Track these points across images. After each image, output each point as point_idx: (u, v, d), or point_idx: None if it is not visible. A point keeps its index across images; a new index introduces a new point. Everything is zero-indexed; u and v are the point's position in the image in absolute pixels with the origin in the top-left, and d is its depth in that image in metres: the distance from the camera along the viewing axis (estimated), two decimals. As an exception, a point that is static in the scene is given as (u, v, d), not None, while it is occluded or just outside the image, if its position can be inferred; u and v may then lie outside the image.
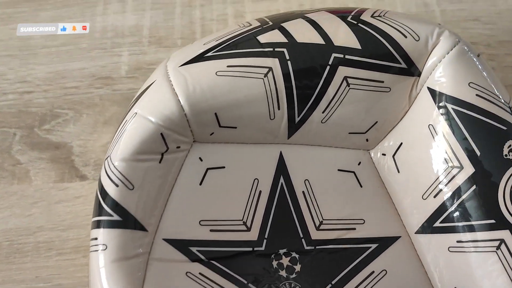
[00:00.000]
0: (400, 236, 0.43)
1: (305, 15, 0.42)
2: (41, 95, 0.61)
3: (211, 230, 0.39)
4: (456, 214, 0.39)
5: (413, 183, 0.42)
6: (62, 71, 0.62)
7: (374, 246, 0.42)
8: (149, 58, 0.62)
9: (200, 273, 0.37)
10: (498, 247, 0.37)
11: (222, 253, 0.39)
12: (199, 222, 0.39)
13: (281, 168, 0.42)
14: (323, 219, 0.42)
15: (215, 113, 0.39)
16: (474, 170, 0.38)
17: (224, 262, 0.39)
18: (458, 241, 0.39)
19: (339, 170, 0.44)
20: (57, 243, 0.60)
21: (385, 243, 0.43)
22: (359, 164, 0.44)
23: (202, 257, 0.38)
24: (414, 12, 0.68)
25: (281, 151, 0.43)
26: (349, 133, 0.43)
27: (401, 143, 0.43)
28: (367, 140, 0.44)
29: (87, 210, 0.62)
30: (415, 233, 0.42)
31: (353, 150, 0.44)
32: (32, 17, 0.66)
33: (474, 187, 0.38)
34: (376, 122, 0.42)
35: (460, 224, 0.39)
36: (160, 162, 0.38)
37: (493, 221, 0.38)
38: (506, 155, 0.38)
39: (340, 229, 0.43)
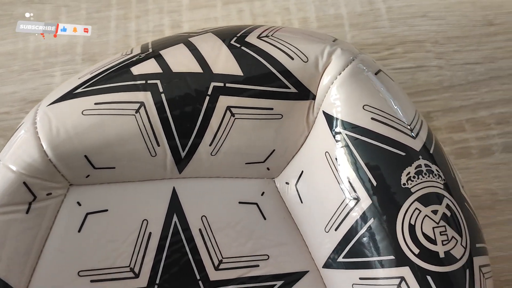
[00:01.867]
0: (308, 271, 0.40)
1: (189, 39, 0.38)
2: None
3: (91, 281, 0.36)
4: (356, 249, 0.36)
5: (316, 214, 0.39)
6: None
7: (279, 283, 0.39)
8: (81, 77, 0.60)
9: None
10: (399, 285, 0.34)
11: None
12: (78, 273, 0.36)
13: (174, 206, 0.39)
14: (222, 258, 0.39)
15: (85, 156, 0.35)
16: (371, 202, 0.35)
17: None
18: (360, 278, 0.36)
19: (240, 202, 0.40)
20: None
21: (291, 279, 0.40)
22: (262, 194, 0.41)
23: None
24: (359, 12, 0.65)
25: (174, 187, 0.40)
26: (246, 163, 0.39)
27: (302, 171, 0.39)
28: (268, 169, 0.40)
29: None
30: (322, 267, 0.39)
31: (256, 180, 0.41)
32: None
33: (372, 220, 0.35)
34: (274, 150, 0.39)
35: (361, 260, 0.36)
36: (27, 212, 0.35)
37: (392, 257, 0.34)
38: (404, 184, 0.35)
39: (242, 267, 0.39)
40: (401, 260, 0.34)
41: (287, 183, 0.41)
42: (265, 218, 0.41)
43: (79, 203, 0.37)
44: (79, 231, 0.37)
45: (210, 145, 0.37)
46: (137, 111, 0.36)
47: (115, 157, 0.36)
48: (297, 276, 0.40)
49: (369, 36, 0.66)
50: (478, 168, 0.59)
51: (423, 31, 0.67)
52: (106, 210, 0.38)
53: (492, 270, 0.52)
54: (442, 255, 0.34)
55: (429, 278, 0.34)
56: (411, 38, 0.66)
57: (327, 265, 0.39)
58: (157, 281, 0.38)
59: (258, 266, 0.40)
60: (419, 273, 0.34)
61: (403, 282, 0.34)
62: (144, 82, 0.36)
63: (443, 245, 0.34)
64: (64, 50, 0.61)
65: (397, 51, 0.65)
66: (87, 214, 0.37)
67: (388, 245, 0.35)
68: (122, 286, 0.37)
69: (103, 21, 0.66)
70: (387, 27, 0.66)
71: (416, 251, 0.34)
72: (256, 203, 0.41)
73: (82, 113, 0.35)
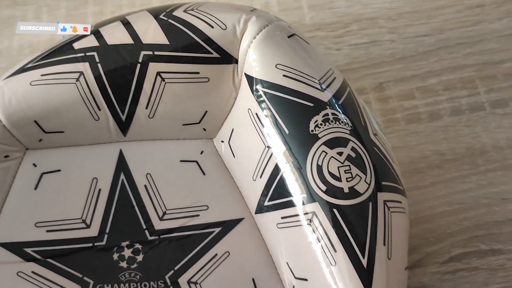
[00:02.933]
0: (243, 218, 0.45)
1: (126, 16, 0.44)
2: None
3: (47, 231, 0.42)
4: (278, 192, 0.41)
5: (245, 166, 0.44)
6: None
7: (217, 230, 0.44)
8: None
9: (33, 272, 0.40)
10: (311, 220, 0.39)
11: (59, 251, 0.41)
12: (35, 224, 0.42)
13: (121, 165, 0.45)
14: (166, 210, 0.44)
15: (35, 121, 0.41)
16: (285, 148, 0.40)
17: (62, 259, 0.41)
18: (282, 217, 0.41)
19: (181, 161, 0.46)
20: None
21: (228, 226, 0.45)
22: (201, 153, 0.46)
23: (38, 256, 0.41)
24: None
25: (121, 149, 0.45)
26: (183, 124, 0.45)
27: (233, 129, 0.45)
28: (204, 129, 0.45)
29: None
30: (255, 213, 0.44)
31: (195, 140, 0.46)
32: None
33: (287, 164, 0.40)
34: (206, 111, 0.44)
35: (281, 201, 0.41)
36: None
37: (305, 195, 0.39)
38: (312, 131, 0.40)
39: (184, 217, 0.45)
40: (311, 197, 0.39)
41: (222, 141, 0.46)
42: (204, 174, 0.46)
43: (34, 165, 0.43)
44: (35, 188, 0.43)
45: (146, 108, 0.43)
46: (78, 79, 0.41)
47: (62, 121, 0.42)
48: (234, 223, 0.45)
49: (327, 16, 0.71)
50: (428, 131, 0.63)
51: (376, 9, 0.71)
52: (59, 170, 0.44)
53: (440, 223, 0.57)
54: (346, 190, 0.39)
55: (335, 211, 0.38)
56: (365, 16, 0.71)
57: (258, 211, 0.44)
58: (107, 231, 0.43)
59: (198, 215, 0.45)
60: (327, 207, 0.39)
61: (314, 216, 0.39)
62: (83, 54, 0.41)
63: (347, 181, 0.39)
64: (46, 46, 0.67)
65: (352, 28, 0.70)
66: (42, 174, 0.43)
67: (301, 184, 0.39)
68: (75, 235, 0.42)
69: (81, 18, 0.72)
70: (343, 7, 0.71)
71: (324, 188, 0.39)
72: (196, 161, 0.46)
73: (30, 84, 0.41)
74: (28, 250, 0.40)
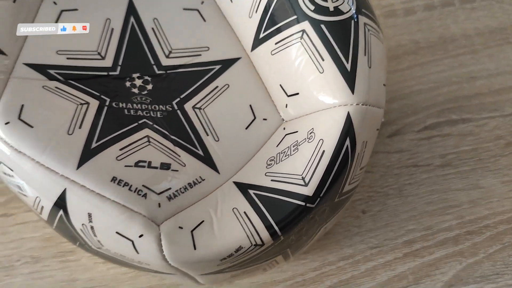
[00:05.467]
0: (240, 57, 0.51)
1: None
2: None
3: (67, 58, 0.47)
4: (271, 20, 0.47)
5: (242, 6, 0.50)
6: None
7: (217, 67, 0.50)
8: None
9: (56, 87, 0.46)
10: (302, 37, 0.45)
11: (79, 75, 0.47)
12: (57, 51, 0.47)
13: (131, 10, 0.51)
14: (172, 49, 0.50)
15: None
16: None
17: (81, 82, 0.47)
18: (276, 43, 0.47)
19: (184, 9, 0.52)
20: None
21: (227, 63, 0.51)
22: (202, 3, 0.52)
23: (60, 77, 0.46)
24: None
25: (130, -5, 0.51)
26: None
27: (230, -24, 0.51)
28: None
29: None
30: (250, 51, 0.50)
31: (196, -9, 0.52)
32: None
33: (279, -7, 0.46)
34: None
35: (274, 27, 0.47)
36: (14, 1, 0.46)
37: (295, 16, 0.45)
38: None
39: (187, 56, 0.50)
40: (301, 17, 0.45)
41: (219, -10, 0.52)
42: (205, 21, 0.52)
43: (55, 3, 0.49)
44: (55, 22, 0.48)
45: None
46: None
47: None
48: (232, 61, 0.51)
49: None
50: (404, 24, 0.70)
51: None
52: (77, 9, 0.49)
53: (416, 99, 0.64)
54: (331, 9, 0.45)
55: (323, 26, 0.45)
56: None
57: (254, 47, 0.50)
58: (120, 63, 0.49)
59: (200, 55, 0.51)
60: (315, 24, 0.45)
61: (304, 33, 0.45)
62: None
63: (332, 2, 0.45)
64: None
65: None
66: (62, 11, 0.49)
67: (291, 7, 0.46)
68: (92, 64, 0.48)
69: None
70: None
71: (312, 7, 0.45)
72: (197, 9, 0.52)
73: None
74: (51, 71, 0.46)
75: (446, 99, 0.66)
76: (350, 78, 0.43)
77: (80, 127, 0.43)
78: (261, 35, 0.48)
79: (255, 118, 0.48)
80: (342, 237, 0.58)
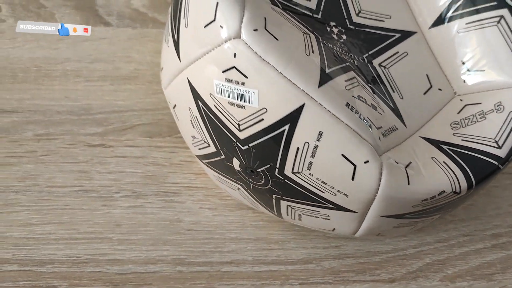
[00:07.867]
0: (416, 32, 0.55)
1: None
2: None
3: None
4: (468, 2, 0.52)
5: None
6: None
7: (397, 35, 0.54)
8: None
9: (281, 12, 0.47)
10: (499, 22, 0.51)
11: (293, 9, 0.49)
12: None
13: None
14: (361, 9, 0.54)
15: None
16: None
17: (294, 14, 0.49)
18: (466, 23, 0.52)
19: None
20: (84, 72, 0.67)
21: (405, 34, 0.55)
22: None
23: (279, 5, 0.48)
24: None
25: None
26: None
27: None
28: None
29: (112, 49, 0.70)
30: (428, 28, 0.55)
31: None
32: None
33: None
34: None
35: (471, 8, 0.52)
36: None
37: (495, 3, 0.51)
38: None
39: (373, 19, 0.54)
40: (500, 3, 0.51)
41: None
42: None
43: None
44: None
45: None
46: None
47: None
48: (409, 34, 0.55)
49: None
50: None
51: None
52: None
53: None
54: (528, 3, 0.52)
55: (521, 15, 0.51)
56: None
57: (434, 24, 0.55)
58: (321, 9, 0.52)
59: (383, 21, 0.55)
60: (513, 13, 0.51)
61: (502, 19, 0.51)
62: None
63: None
64: None
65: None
66: None
67: (493, -5, 0.52)
68: (300, 1, 0.51)
69: None
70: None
71: (512, -2, 0.51)
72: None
73: None
74: None
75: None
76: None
77: (313, 52, 0.44)
78: (449, 14, 0.53)
79: (431, 86, 0.52)
80: (438, 223, 0.63)
